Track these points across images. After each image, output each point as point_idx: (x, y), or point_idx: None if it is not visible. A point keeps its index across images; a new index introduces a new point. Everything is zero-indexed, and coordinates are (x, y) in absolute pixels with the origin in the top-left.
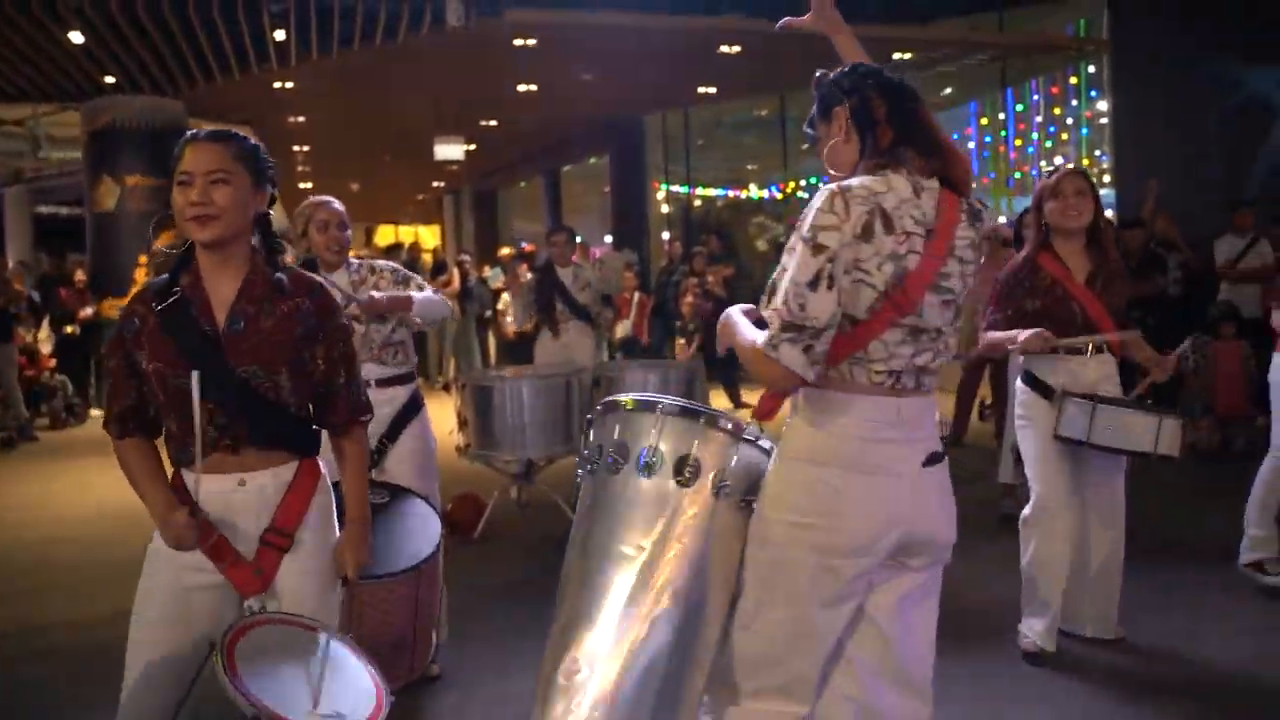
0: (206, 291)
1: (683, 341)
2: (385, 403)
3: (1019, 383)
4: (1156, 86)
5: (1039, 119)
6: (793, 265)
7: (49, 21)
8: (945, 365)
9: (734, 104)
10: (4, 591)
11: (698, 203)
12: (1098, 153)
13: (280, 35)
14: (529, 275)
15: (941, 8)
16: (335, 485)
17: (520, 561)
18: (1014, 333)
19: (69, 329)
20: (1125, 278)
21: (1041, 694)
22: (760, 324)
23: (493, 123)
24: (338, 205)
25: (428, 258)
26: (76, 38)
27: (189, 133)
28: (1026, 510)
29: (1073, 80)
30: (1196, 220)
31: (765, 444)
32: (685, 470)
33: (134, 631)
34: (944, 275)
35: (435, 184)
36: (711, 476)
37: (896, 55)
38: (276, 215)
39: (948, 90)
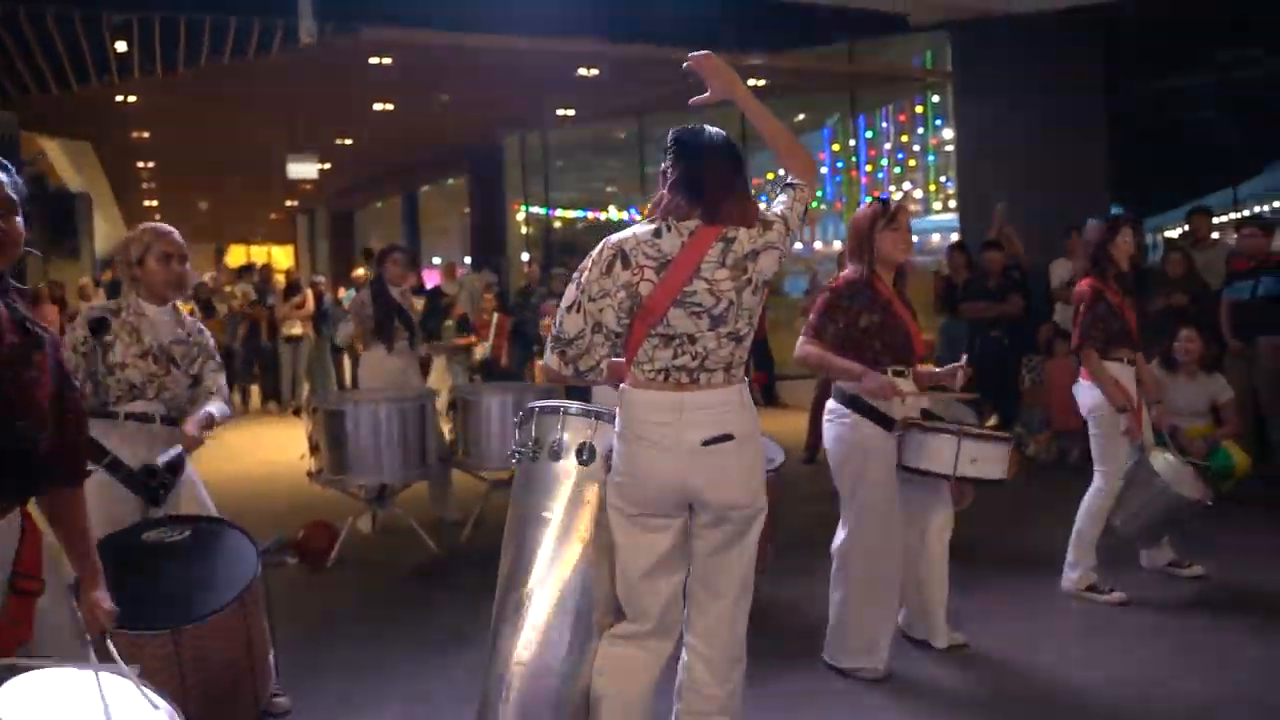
0: None
1: (541, 363)
2: (168, 438)
3: (834, 403)
4: (997, 116)
5: (889, 145)
6: (564, 297)
7: None
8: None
9: (593, 126)
10: None
11: (558, 224)
12: (943, 179)
13: (122, 47)
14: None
15: (794, 38)
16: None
17: (375, 589)
18: (855, 367)
19: None
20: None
21: (882, 704)
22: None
23: (348, 141)
24: (179, 238)
25: (281, 279)
26: None
27: None
28: (842, 540)
29: (919, 109)
30: (1033, 245)
31: None
32: (584, 453)
33: None
34: (689, 293)
35: (289, 203)
36: (602, 456)
37: (751, 82)
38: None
39: (801, 116)
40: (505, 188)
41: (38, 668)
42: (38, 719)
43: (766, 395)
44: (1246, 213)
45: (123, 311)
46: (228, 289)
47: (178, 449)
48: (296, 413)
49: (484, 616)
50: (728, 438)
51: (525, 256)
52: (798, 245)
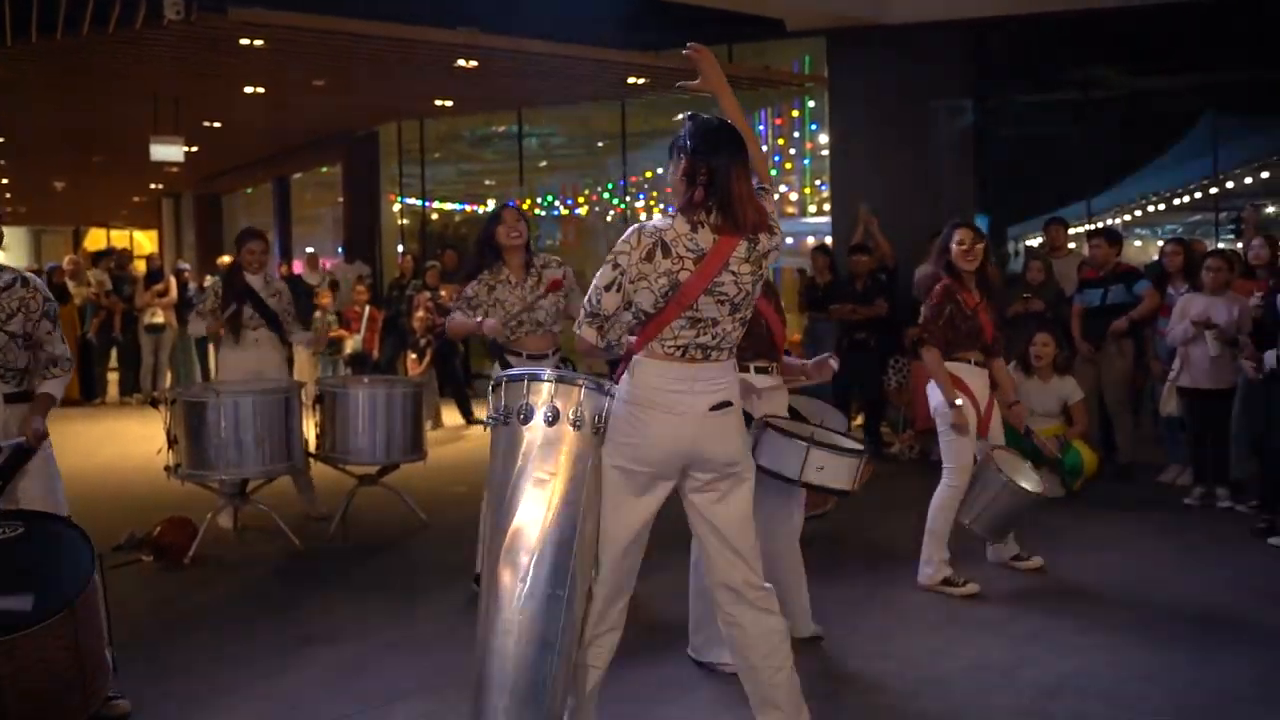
0: None
1: (414, 357)
2: (14, 419)
3: None
4: (869, 122)
5: (766, 148)
6: (599, 277)
7: None
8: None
9: (472, 118)
10: None
11: (434, 216)
12: (819, 182)
13: None
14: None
15: (674, 37)
16: None
17: (235, 587)
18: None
19: None
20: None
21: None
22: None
23: (217, 125)
24: None
25: (140, 264)
26: None
27: None
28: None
29: (795, 114)
30: (902, 250)
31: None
32: (574, 418)
33: None
34: (718, 284)
35: (153, 186)
36: (591, 420)
37: (631, 80)
38: None
39: (679, 116)
40: (381, 178)
41: None
42: None
43: None
44: (1100, 224)
45: None
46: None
47: (17, 441)
48: (154, 404)
49: (345, 613)
50: (728, 404)
51: (400, 249)
52: None
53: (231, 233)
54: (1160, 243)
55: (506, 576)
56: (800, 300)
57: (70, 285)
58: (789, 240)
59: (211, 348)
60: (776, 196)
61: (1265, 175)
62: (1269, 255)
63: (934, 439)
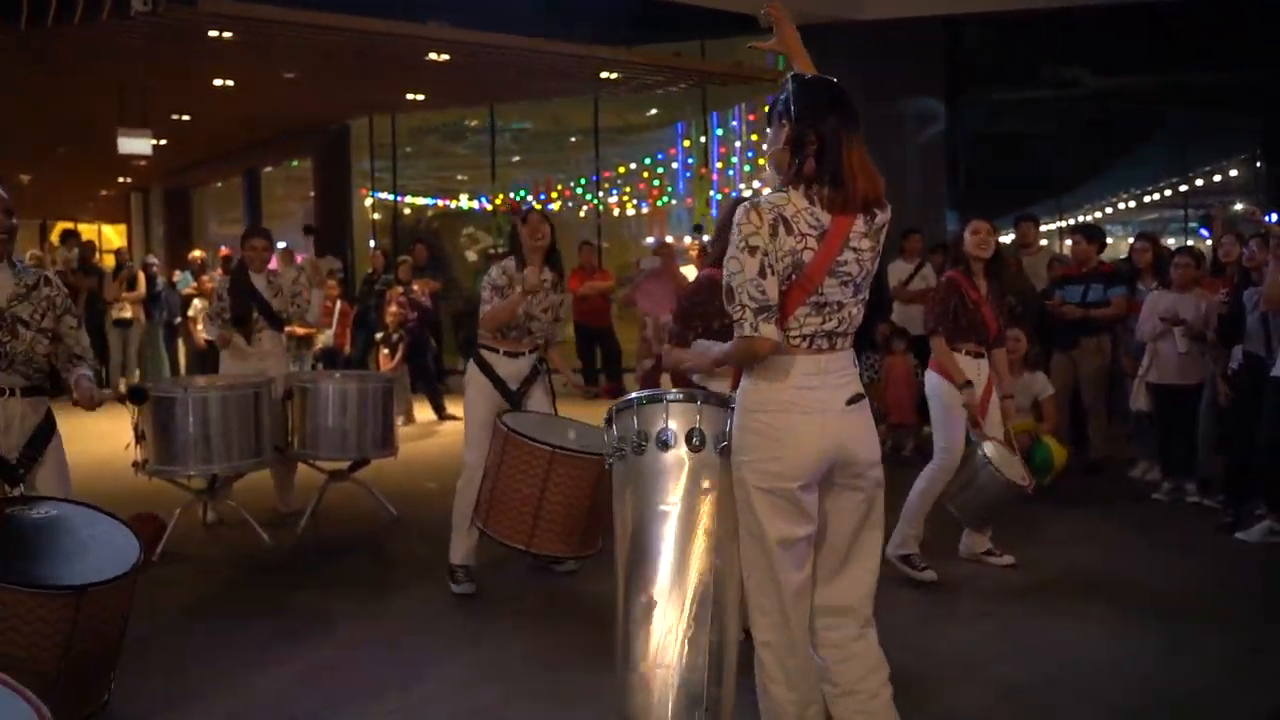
0: None
1: (386, 352)
2: (29, 414)
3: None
4: None
5: (739, 144)
6: (742, 270)
7: None
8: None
9: (444, 113)
10: None
11: (407, 211)
12: None
13: None
14: (218, 279)
15: (648, 32)
16: None
17: (203, 585)
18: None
19: None
20: None
21: None
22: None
23: (186, 118)
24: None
25: (109, 259)
26: None
27: None
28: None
29: (768, 109)
30: None
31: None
32: (694, 439)
33: None
34: (840, 263)
35: (121, 179)
36: (713, 440)
37: (604, 74)
38: None
39: (653, 111)
40: (352, 172)
41: None
42: None
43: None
44: (1069, 221)
45: None
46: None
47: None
48: (121, 400)
49: (315, 609)
50: (863, 397)
51: (372, 243)
52: (648, 239)
53: (201, 227)
54: (1130, 240)
55: (641, 626)
56: None
57: None
58: None
59: (181, 344)
60: (750, 192)
61: (1234, 174)
62: (1238, 253)
63: (906, 434)
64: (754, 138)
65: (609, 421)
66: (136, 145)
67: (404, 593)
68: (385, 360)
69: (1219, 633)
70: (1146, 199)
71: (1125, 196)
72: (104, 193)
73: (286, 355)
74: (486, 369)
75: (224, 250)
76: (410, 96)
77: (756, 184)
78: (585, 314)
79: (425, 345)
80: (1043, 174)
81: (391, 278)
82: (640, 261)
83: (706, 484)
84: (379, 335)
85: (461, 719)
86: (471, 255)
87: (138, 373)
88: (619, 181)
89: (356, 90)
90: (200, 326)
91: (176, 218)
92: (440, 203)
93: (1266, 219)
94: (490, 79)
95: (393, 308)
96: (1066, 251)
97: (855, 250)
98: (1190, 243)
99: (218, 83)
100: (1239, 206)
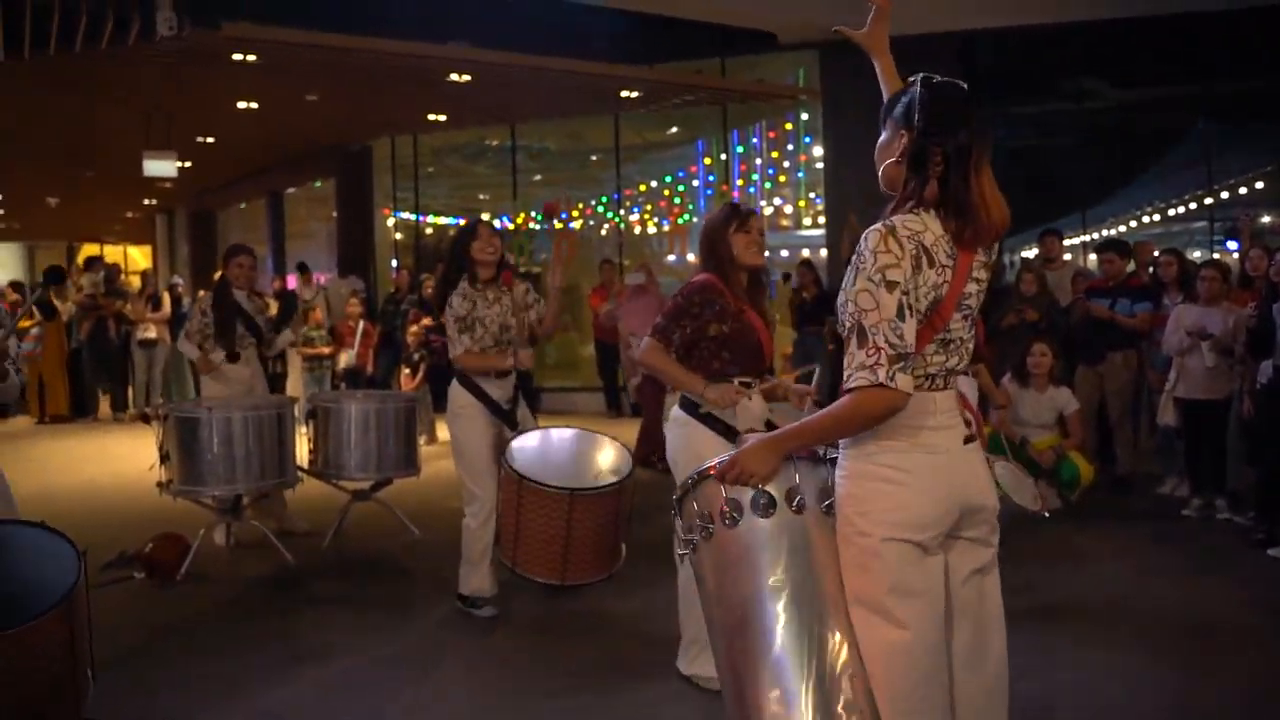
0: None
1: (408, 372)
2: None
3: (678, 410)
4: (862, 135)
5: (760, 161)
6: (877, 308)
7: None
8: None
9: (465, 132)
10: None
11: (429, 230)
12: (812, 195)
13: None
14: (200, 297)
15: (668, 50)
16: None
17: (227, 604)
18: (696, 383)
19: None
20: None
21: None
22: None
23: (210, 140)
24: None
25: (135, 280)
26: None
27: None
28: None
29: (789, 126)
30: None
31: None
32: (796, 499)
33: None
34: (965, 295)
35: (147, 201)
36: (816, 497)
37: (624, 93)
38: None
39: (674, 129)
40: (374, 192)
41: None
42: None
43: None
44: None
45: None
46: (71, 283)
47: None
48: (144, 419)
49: (338, 628)
50: (974, 438)
51: (394, 263)
52: (670, 257)
53: (225, 248)
54: (1157, 253)
55: None
56: (791, 316)
57: (55, 301)
58: (783, 253)
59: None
60: (771, 210)
61: (1260, 185)
62: (1266, 265)
63: None
64: (774, 155)
65: (680, 502)
66: (162, 167)
67: (426, 612)
68: (407, 380)
69: (1250, 651)
70: (1172, 211)
71: (1150, 210)
72: (130, 214)
73: (263, 376)
74: (478, 392)
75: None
76: (431, 117)
77: (778, 200)
78: (607, 332)
79: (449, 364)
80: (1065, 188)
81: (415, 298)
82: (626, 277)
83: (820, 548)
84: (402, 355)
85: None
86: None
87: (161, 393)
88: (640, 199)
89: (378, 111)
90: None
91: (201, 239)
92: (462, 222)
93: None
94: (511, 98)
95: (414, 328)
96: (1091, 266)
97: (977, 280)
98: (1216, 255)
99: (241, 105)
100: (1266, 219)
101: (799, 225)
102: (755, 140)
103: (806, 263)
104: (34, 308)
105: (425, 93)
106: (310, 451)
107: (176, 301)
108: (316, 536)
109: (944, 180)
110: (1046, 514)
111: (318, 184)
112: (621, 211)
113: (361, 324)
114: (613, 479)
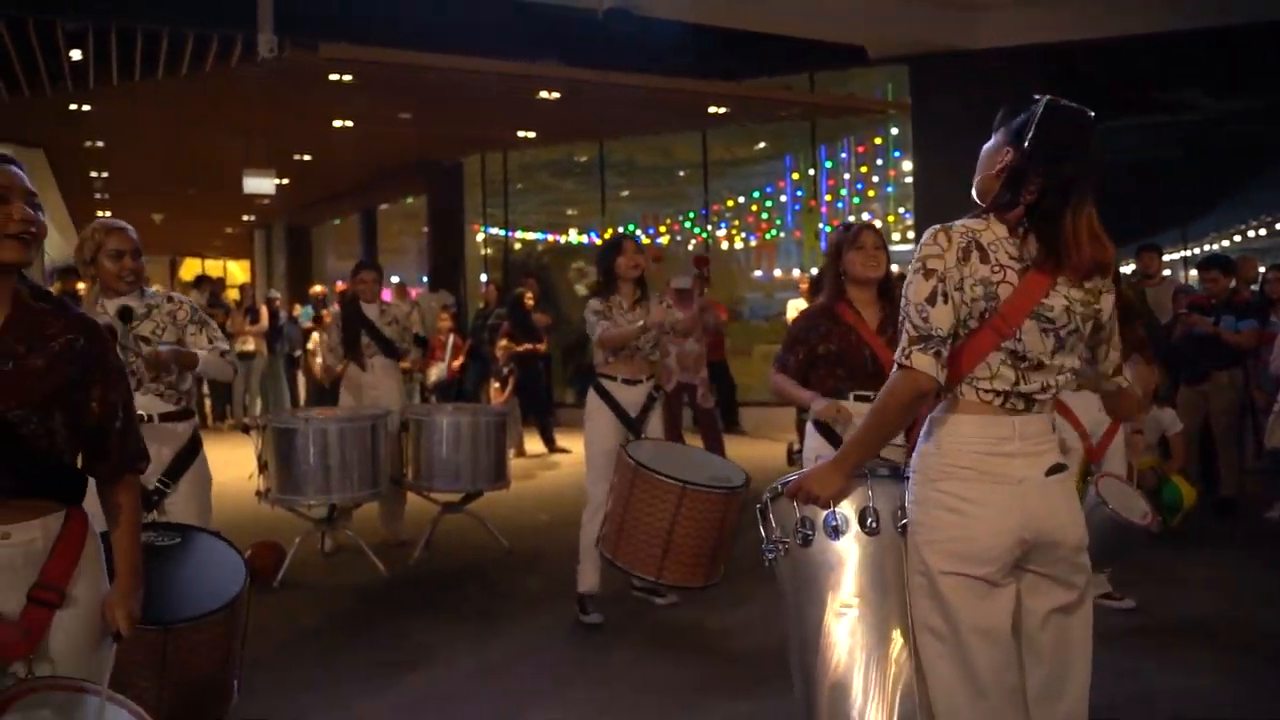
0: None
1: (497, 385)
2: (167, 440)
3: (809, 425)
4: (953, 148)
5: (848, 176)
6: (911, 292)
7: None
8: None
9: (554, 148)
10: None
11: (517, 246)
12: (902, 210)
13: (77, 55)
14: (334, 312)
15: (756, 66)
16: (102, 534)
17: (320, 611)
18: (810, 395)
19: None
20: None
21: None
22: None
23: (306, 157)
24: (131, 232)
25: (233, 293)
26: None
27: None
28: None
29: (879, 141)
30: None
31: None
32: (869, 521)
33: None
34: (1045, 308)
35: (245, 217)
36: (891, 518)
37: (712, 109)
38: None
39: (762, 145)
40: (465, 208)
41: (38, 688)
42: None
43: (727, 421)
44: (1195, 250)
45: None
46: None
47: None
48: (245, 430)
49: (427, 638)
50: (1064, 467)
51: (484, 278)
52: (757, 272)
53: (320, 263)
54: (1262, 269)
55: None
56: None
57: None
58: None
59: (301, 375)
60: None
61: None
62: None
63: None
64: (863, 170)
65: (764, 511)
66: (261, 185)
67: (513, 624)
68: (497, 393)
69: None
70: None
71: (1255, 224)
72: (229, 230)
73: (400, 386)
74: (607, 397)
75: (340, 285)
76: (521, 134)
77: (867, 215)
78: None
79: (536, 378)
80: (1164, 201)
81: (504, 311)
82: (671, 281)
83: (890, 571)
84: (491, 368)
85: None
86: (581, 289)
87: (259, 403)
88: (727, 215)
89: (469, 128)
90: (319, 359)
91: (297, 254)
92: (550, 237)
93: None
94: (600, 115)
95: (503, 341)
96: (1192, 282)
97: (1065, 297)
98: None
99: (337, 123)
100: None
101: (888, 240)
102: (844, 155)
103: (899, 276)
104: None
105: (515, 110)
106: (402, 463)
107: (274, 314)
108: (407, 547)
109: (1033, 207)
110: (1155, 529)
111: (410, 200)
112: (708, 227)
113: (451, 338)
114: (725, 483)
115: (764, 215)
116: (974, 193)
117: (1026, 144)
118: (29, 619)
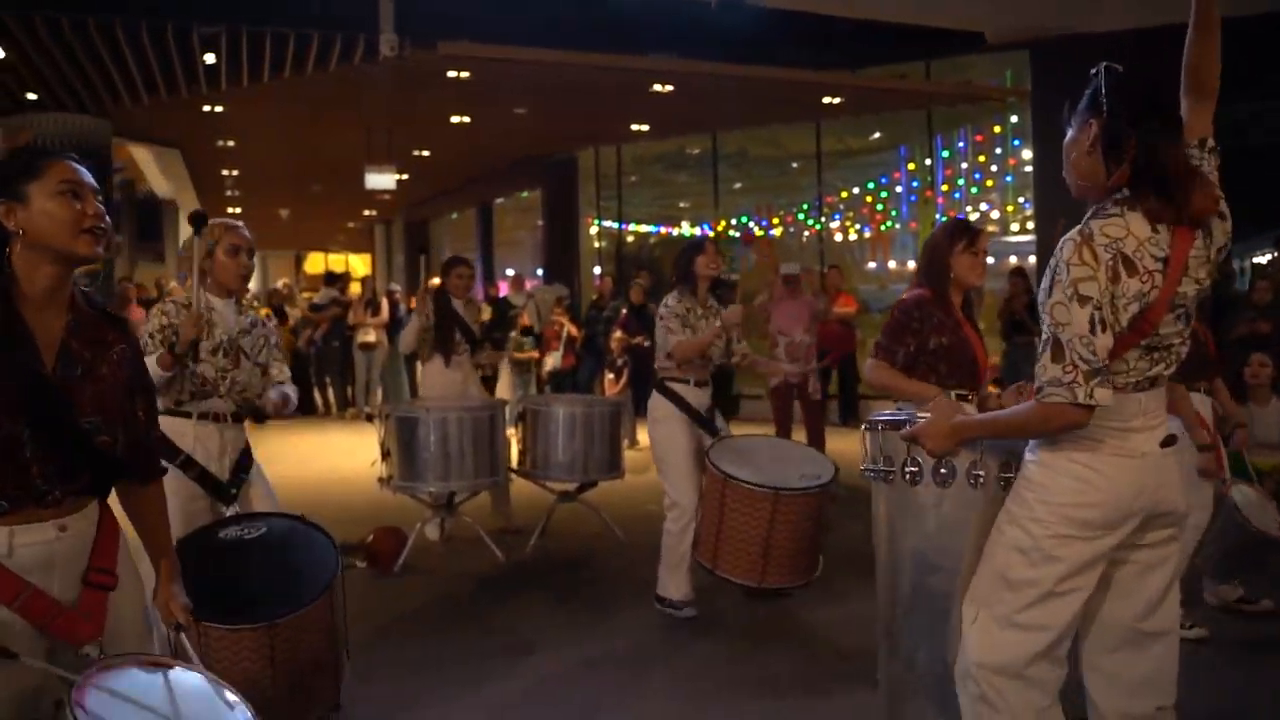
0: (30, 327)
1: (611, 376)
2: (238, 437)
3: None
4: None
5: (965, 165)
6: (1070, 323)
7: None
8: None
9: (667, 142)
10: None
11: (630, 239)
12: (1021, 200)
13: (210, 59)
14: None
15: (870, 55)
16: None
17: (438, 596)
18: (928, 391)
19: None
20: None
21: None
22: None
23: (425, 153)
24: (246, 232)
25: (356, 287)
26: None
27: (41, 150)
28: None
29: (997, 129)
30: None
31: None
32: (973, 476)
33: None
34: (1180, 295)
35: (366, 212)
36: (997, 475)
37: (826, 100)
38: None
39: (876, 135)
40: (579, 201)
41: (115, 664)
42: (114, 716)
43: (845, 415)
44: None
45: (194, 305)
46: (304, 296)
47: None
48: (369, 419)
49: (544, 625)
50: (1175, 439)
51: (597, 270)
52: (871, 264)
53: (438, 257)
54: None
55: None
56: (1001, 324)
57: (285, 306)
58: (989, 259)
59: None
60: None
61: None
62: None
63: None
64: (981, 159)
65: (872, 430)
66: (382, 180)
67: (628, 613)
68: (610, 385)
69: None
70: None
71: None
72: (351, 225)
73: (522, 380)
74: (678, 401)
75: (434, 281)
76: (635, 127)
77: (984, 205)
78: (827, 339)
79: (650, 371)
80: None
81: (618, 304)
82: (780, 267)
83: (978, 528)
84: (605, 360)
85: None
86: None
87: (379, 393)
88: (841, 206)
89: (583, 122)
90: (371, 336)
91: (415, 248)
92: (662, 230)
93: None
94: (712, 108)
95: (618, 333)
96: None
97: (1195, 279)
98: None
99: (455, 120)
100: None
101: (1006, 231)
102: (961, 144)
103: (1018, 271)
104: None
105: (629, 104)
106: (519, 452)
107: (394, 306)
108: (522, 534)
109: (1137, 161)
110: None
111: (525, 194)
112: (822, 219)
113: (566, 329)
114: (815, 481)
115: (879, 206)
116: (1073, 189)
117: (1106, 107)
118: (88, 602)
